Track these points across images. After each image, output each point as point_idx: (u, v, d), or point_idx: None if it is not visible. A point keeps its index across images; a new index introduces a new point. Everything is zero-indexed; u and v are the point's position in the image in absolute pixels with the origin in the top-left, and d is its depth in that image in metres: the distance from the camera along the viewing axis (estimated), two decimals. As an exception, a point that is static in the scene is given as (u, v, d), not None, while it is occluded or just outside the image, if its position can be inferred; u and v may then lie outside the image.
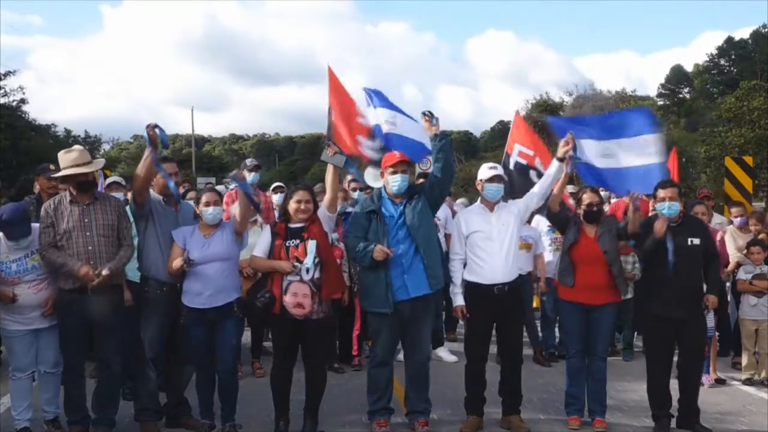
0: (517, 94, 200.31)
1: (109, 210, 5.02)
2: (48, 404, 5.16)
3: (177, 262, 4.97)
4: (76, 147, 5.18)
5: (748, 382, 6.84)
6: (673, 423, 5.39)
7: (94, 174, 5.20)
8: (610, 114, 5.88)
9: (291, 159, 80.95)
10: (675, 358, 5.48)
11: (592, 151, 5.67)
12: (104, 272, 4.78)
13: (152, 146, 4.97)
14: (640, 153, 5.62)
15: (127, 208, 5.30)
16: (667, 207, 5.26)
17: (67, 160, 4.98)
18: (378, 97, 7.22)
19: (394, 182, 5.25)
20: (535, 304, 8.34)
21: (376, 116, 6.55)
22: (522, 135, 7.47)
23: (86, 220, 4.93)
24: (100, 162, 5.44)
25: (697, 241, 5.33)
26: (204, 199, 5.15)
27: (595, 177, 5.71)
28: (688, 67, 67.56)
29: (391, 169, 5.28)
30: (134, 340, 5.17)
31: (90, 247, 4.89)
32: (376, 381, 5.29)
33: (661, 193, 5.32)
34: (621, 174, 5.69)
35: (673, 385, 5.48)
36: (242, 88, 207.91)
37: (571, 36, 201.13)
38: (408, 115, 6.57)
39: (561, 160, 5.43)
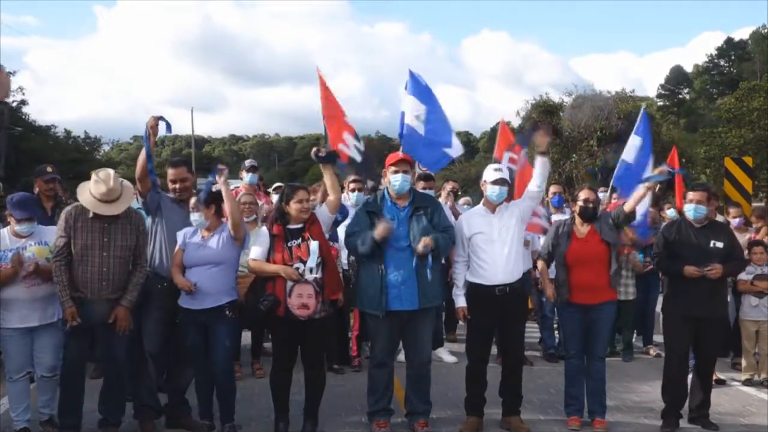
0: (514, 95, 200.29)
1: (130, 229, 4.94)
2: (44, 406, 5.16)
3: (185, 287, 4.96)
4: (106, 176, 4.82)
5: (748, 382, 6.83)
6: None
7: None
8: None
9: (291, 159, 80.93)
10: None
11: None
12: (123, 306, 4.85)
13: (148, 135, 5.00)
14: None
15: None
16: (693, 209, 5.37)
17: (95, 192, 4.78)
18: (413, 84, 7.39)
19: (395, 181, 5.21)
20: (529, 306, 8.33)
21: (404, 102, 6.73)
22: (509, 142, 7.86)
23: (105, 239, 4.85)
24: (127, 199, 4.91)
25: (720, 244, 5.36)
26: (191, 203, 5.08)
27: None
28: (687, 68, 67.75)
29: (393, 168, 5.23)
30: (134, 336, 5.15)
31: (105, 269, 4.83)
32: (376, 382, 5.28)
33: (690, 195, 5.41)
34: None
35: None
36: (239, 89, 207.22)
37: (567, 36, 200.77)
38: (441, 113, 6.69)
39: (543, 153, 5.43)
